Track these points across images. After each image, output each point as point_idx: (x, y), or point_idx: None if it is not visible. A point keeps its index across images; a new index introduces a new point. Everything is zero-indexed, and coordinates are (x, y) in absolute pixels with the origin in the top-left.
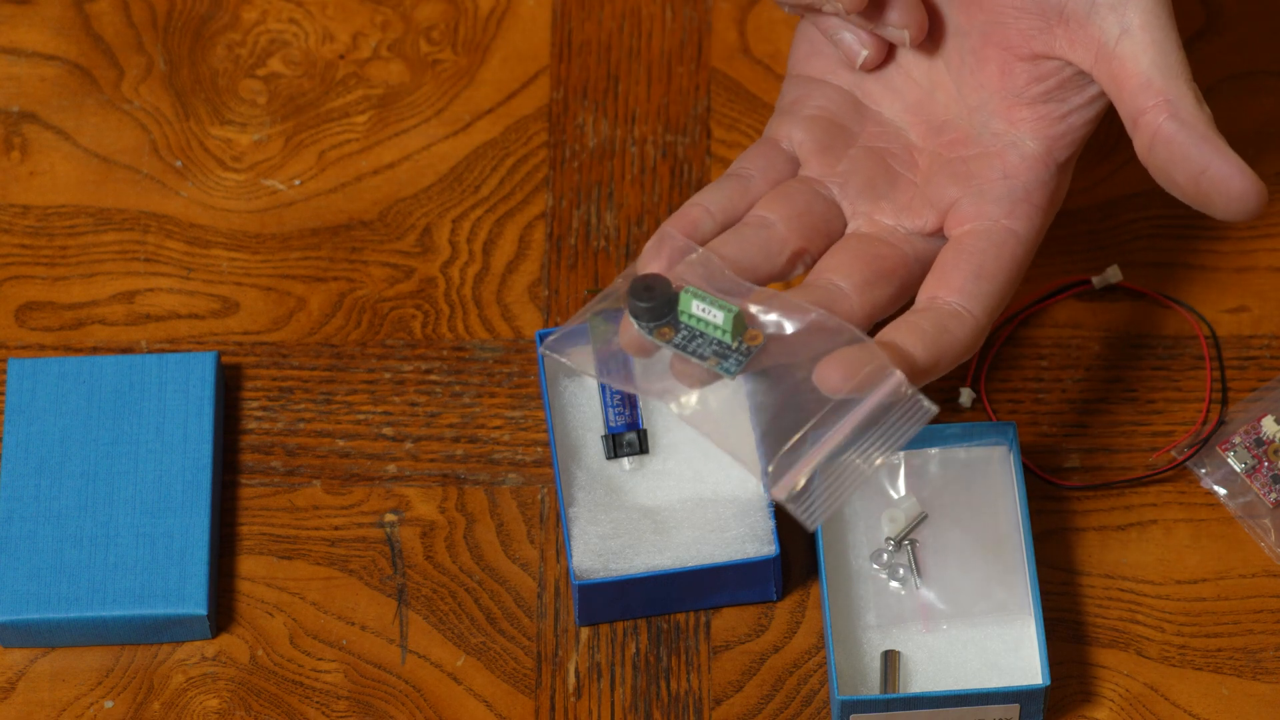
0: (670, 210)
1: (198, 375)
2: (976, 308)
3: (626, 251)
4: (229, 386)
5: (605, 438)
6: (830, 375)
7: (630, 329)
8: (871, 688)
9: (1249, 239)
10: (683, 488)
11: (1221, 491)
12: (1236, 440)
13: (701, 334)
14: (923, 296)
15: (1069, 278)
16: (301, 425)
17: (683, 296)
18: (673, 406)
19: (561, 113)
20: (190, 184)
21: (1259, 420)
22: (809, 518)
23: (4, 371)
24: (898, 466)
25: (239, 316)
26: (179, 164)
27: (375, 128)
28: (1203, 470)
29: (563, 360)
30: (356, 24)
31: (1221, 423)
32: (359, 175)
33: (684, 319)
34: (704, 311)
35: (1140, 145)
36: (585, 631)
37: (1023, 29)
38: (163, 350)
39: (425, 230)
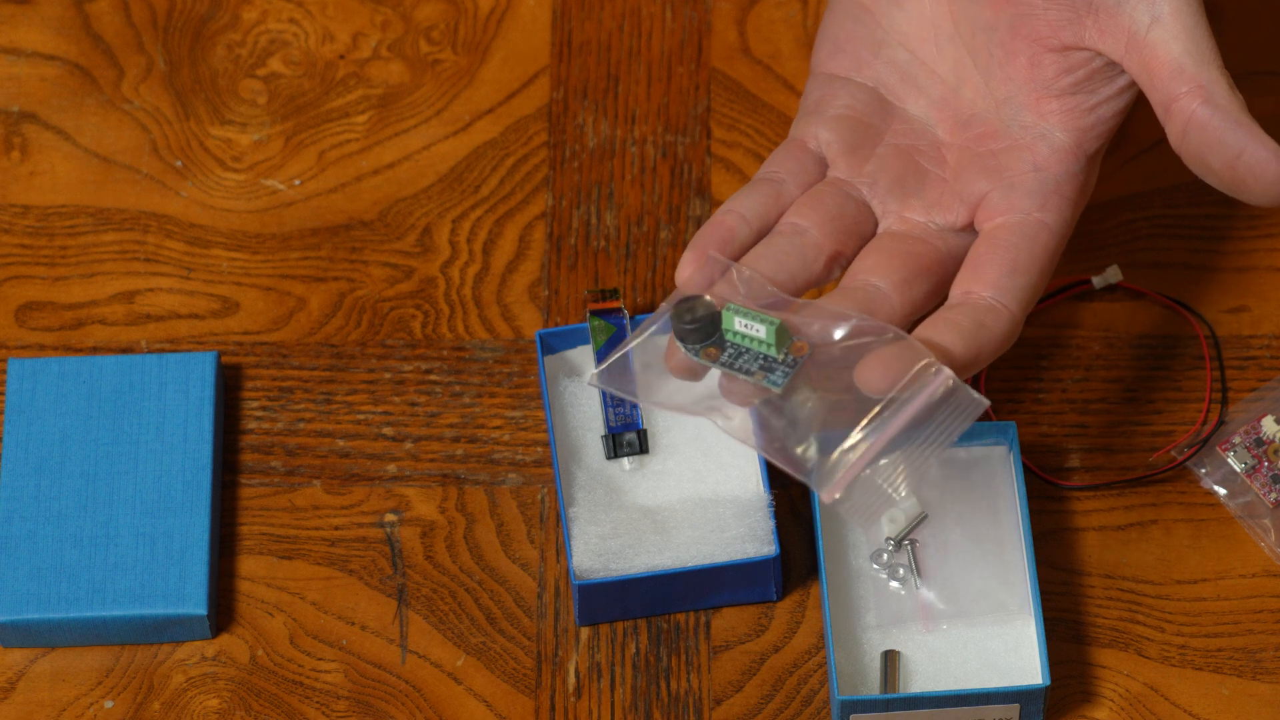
0: (670, 210)
1: (198, 375)
2: (1012, 301)
3: (626, 252)
4: (229, 386)
5: (605, 438)
6: (870, 375)
7: (677, 352)
8: (871, 688)
9: (1249, 239)
10: (683, 488)
11: (1221, 491)
12: (1236, 440)
13: (747, 350)
14: (956, 292)
15: (1069, 278)
16: (301, 425)
17: (725, 315)
18: (719, 422)
19: (561, 113)
20: (190, 184)
21: (1259, 420)
22: (861, 519)
23: (4, 371)
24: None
25: (239, 316)
26: (179, 164)
27: (375, 128)
28: (1203, 470)
29: (613, 391)
30: (356, 24)
31: (1221, 423)
32: (359, 175)
33: (729, 336)
34: (746, 327)
35: (1173, 133)
36: (585, 631)
37: (1052, 20)
38: (163, 350)
39: (425, 230)
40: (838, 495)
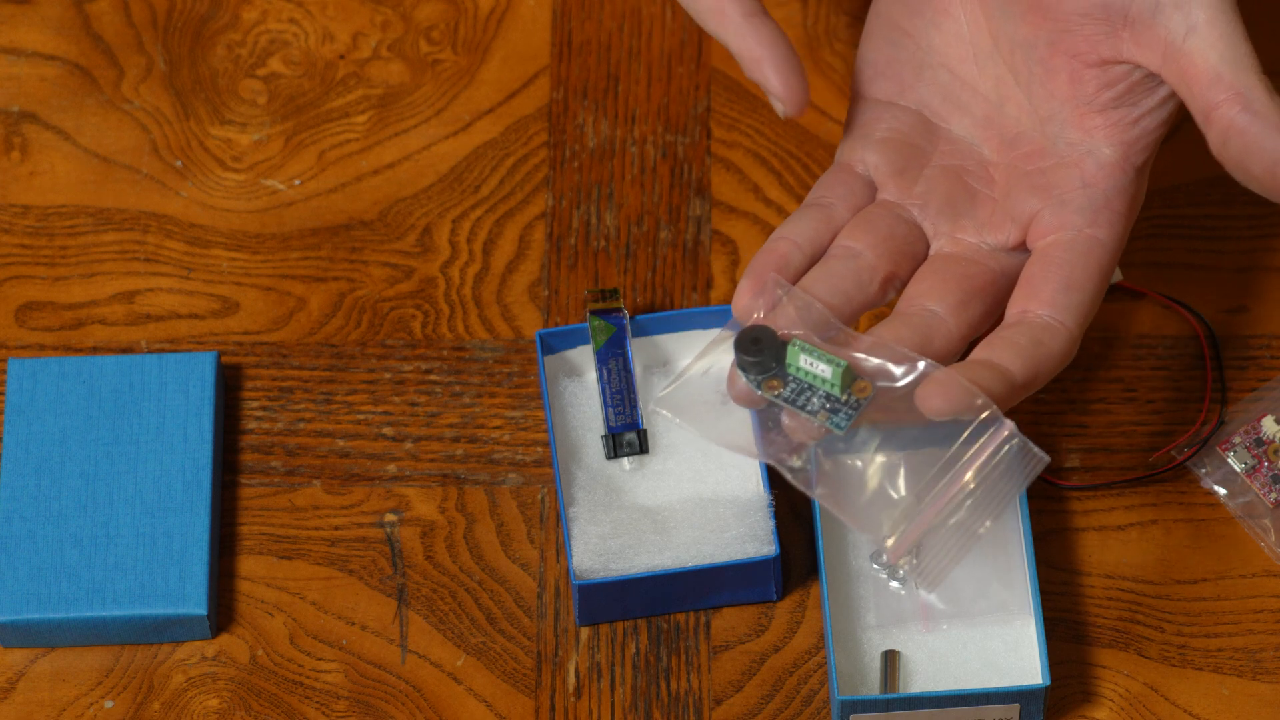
0: (670, 210)
1: (198, 375)
2: (1069, 319)
3: (626, 252)
4: (229, 386)
5: (605, 438)
6: (931, 398)
7: (739, 381)
8: (871, 688)
9: (1249, 239)
10: (683, 488)
11: (1221, 491)
12: (1236, 440)
13: (810, 387)
14: (1012, 311)
15: None
16: (301, 425)
17: (790, 350)
18: (786, 474)
19: (561, 113)
20: (190, 184)
21: (1259, 420)
22: (926, 581)
23: (4, 371)
24: (898, 466)
25: (239, 316)
26: (179, 164)
27: (375, 128)
28: (1203, 470)
29: (675, 420)
30: (356, 24)
31: (1221, 423)
32: (359, 175)
33: (792, 371)
34: (811, 365)
35: (1214, 140)
36: (585, 631)
37: (1089, 35)
38: (163, 350)
39: (425, 230)
40: (903, 556)
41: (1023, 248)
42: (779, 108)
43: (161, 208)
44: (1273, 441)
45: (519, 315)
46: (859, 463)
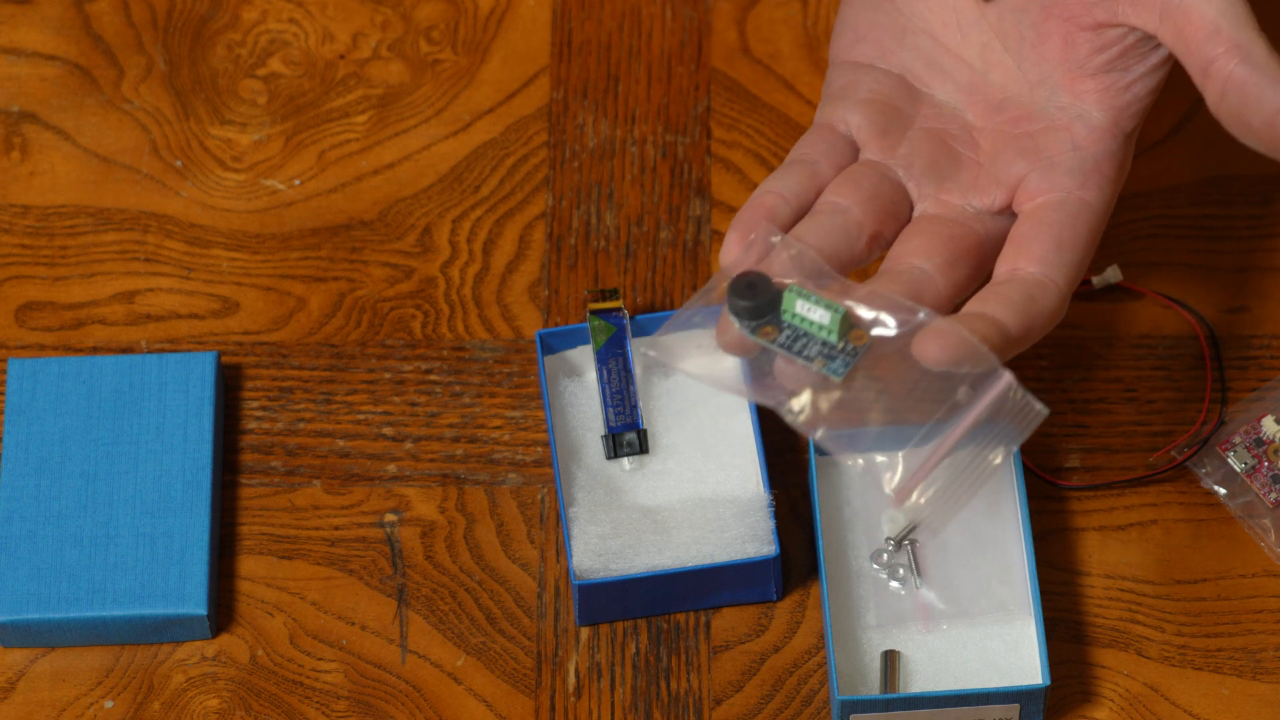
0: (670, 210)
1: (198, 375)
2: (1060, 277)
3: (626, 252)
4: (229, 386)
5: (605, 438)
6: (929, 347)
7: (731, 328)
8: (871, 688)
9: (1249, 239)
10: (683, 488)
11: (1221, 491)
12: (1236, 440)
13: (806, 334)
14: (1002, 269)
15: None
16: (301, 425)
17: (786, 295)
18: (785, 415)
19: (561, 113)
20: (190, 184)
21: (1259, 420)
22: (929, 526)
23: (4, 371)
24: (898, 466)
25: (239, 316)
26: (179, 164)
27: (375, 128)
28: (1203, 470)
29: (664, 362)
30: (356, 24)
31: (1221, 423)
32: (359, 175)
33: (787, 318)
34: (808, 311)
35: (1212, 95)
36: (585, 631)
37: None
38: (163, 350)
39: (425, 230)
40: (906, 502)
41: (1008, 212)
42: None
43: (161, 208)
44: (1273, 441)
45: (519, 315)
46: (859, 408)
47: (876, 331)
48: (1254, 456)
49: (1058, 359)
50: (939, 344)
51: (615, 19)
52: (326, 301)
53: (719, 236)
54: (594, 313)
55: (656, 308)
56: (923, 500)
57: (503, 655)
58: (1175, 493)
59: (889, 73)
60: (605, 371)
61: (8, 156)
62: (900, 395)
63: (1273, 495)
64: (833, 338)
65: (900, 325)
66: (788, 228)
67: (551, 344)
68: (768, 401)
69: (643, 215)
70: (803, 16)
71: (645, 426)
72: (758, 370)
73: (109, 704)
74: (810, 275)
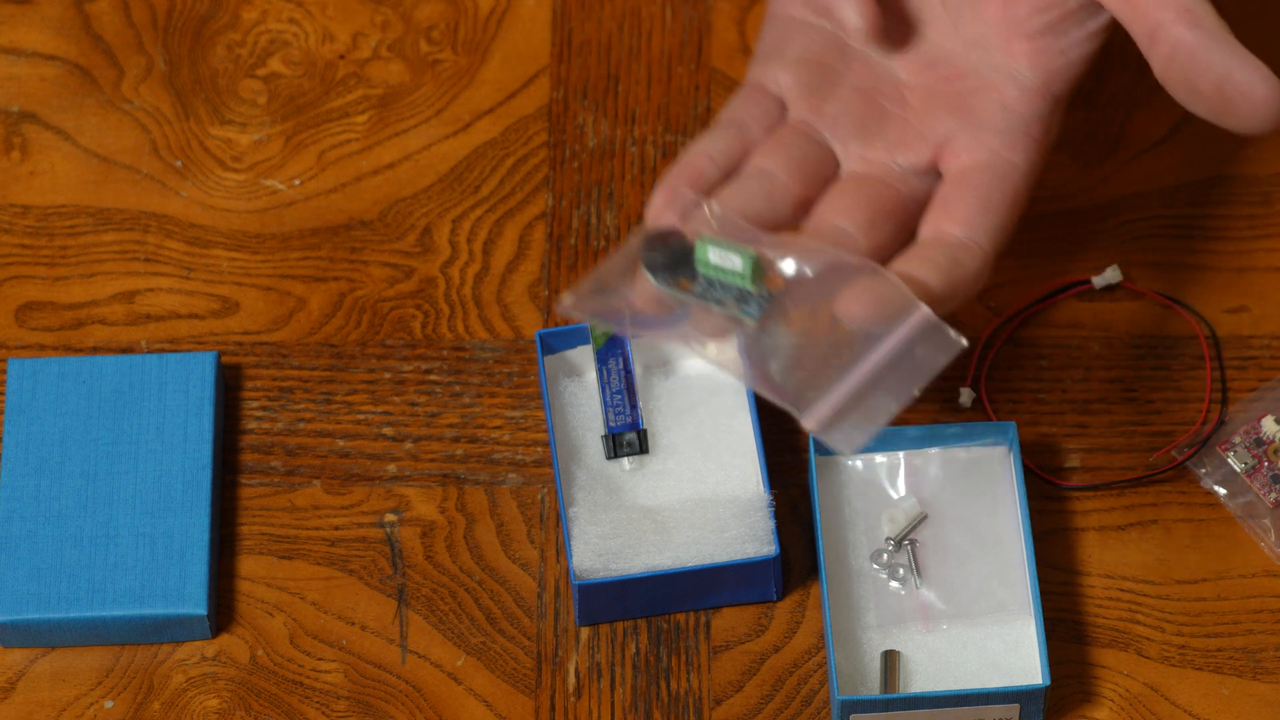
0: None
1: (198, 375)
2: (985, 240)
3: None
4: (229, 386)
5: (605, 438)
6: (853, 307)
7: (648, 286)
8: (871, 688)
9: (1249, 239)
10: (683, 488)
11: (1221, 491)
12: (1236, 440)
13: (720, 283)
14: (926, 230)
15: (1069, 278)
16: (301, 425)
17: (699, 245)
18: (699, 350)
19: (561, 113)
20: (190, 184)
21: (1259, 420)
22: (844, 447)
23: (4, 371)
24: (898, 466)
25: (239, 316)
26: (179, 164)
27: (375, 128)
28: (1203, 470)
29: (587, 318)
30: (356, 24)
31: (1221, 423)
32: (359, 175)
33: (701, 269)
34: (722, 259)
35: (1158, 60)
36: (585, 631)
37: None
38: (163, 350)
39: (425, 230)
40: (819, 423)
41: (934, 170)
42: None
43: (161, 208)
44: (1273, 441)
45: (519, 315)
46: (779, 343)
47: (791, 274)
48: (1254, 456)
49: (1058, 359)
50: (862, 301)
51: (615, 19)
52: (326, 301)
53: None
54: None
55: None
56: (833, 423)
57: (503, 655)
58: (1175, 493)
59: (821, 28)
60: (605, 371)
61: (8, 156)
62: (818, 340)
63: (1273, 495)
64: (746, 283)
65: (814, 266)
66: (714, 187)
67: (551, 344)
68: (687, 342)
69: (643, 215)
70: None
71: (645, 426)
72: (676, 319)
73: (109, 704)
74: (729, 233)
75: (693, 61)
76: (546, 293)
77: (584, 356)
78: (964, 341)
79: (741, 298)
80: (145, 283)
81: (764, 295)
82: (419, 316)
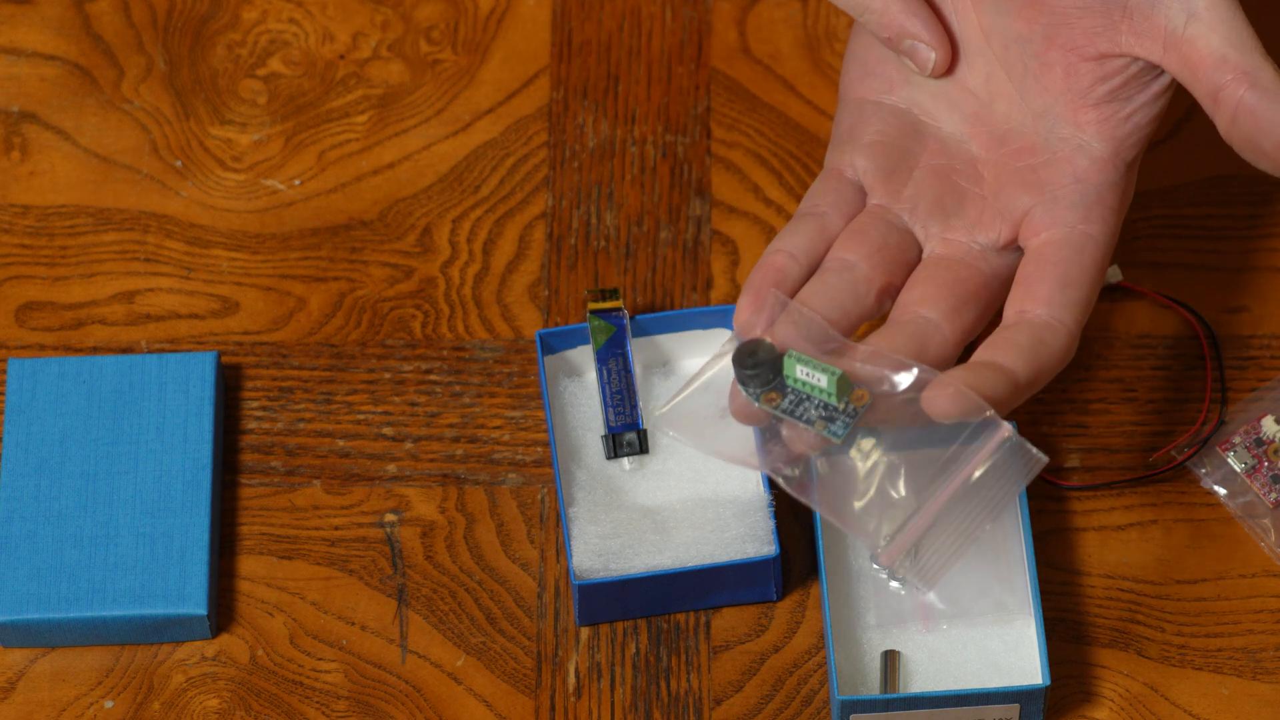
0: (670, 210)
1: (198, 375)
2: (1068, 317)
3: (626, 252)
4: (229, 386)
5: (605, 438)
6: (938, 400)
7: (739, 396)
8: (871, 688)
9: (1249, 239)
10: (683, 488)
11: (1221, 491)
12: (1236, 440)
13: (808, 397)
14: (1010, 312)
15: None
16: (301, 425)
17: (786, 361)
18: (781, 482)
19: (561, 113)
20: (190, 184)
21: (1259, 420)
22: (924, 581)
23: (4, 371)
24: (897, 470)
25: (239, 316)
26: (179, 164)
27: (375, 128)
28: (1203, 470)
29: (678, 438)
30: (356, 24)
31: (1221, 423)
32: (359, 175)
33: (789, 383)
34: (808, 375)
35: (1223, 121)
36: (585, 631)
37: (1087, 28)
38: (163, 350)
39: (425, 230)
40: (895, 559)
41: (1014, 246)
42: (928, 57)
43: (161, 208)
44: (1273, 441)
45: (519, 315)
46: (857, 469)
47: (878, 391)
48: (1254, 456)
49: None
50: (948, 399)
51: (615, 19)
52: (326, 301)
53: (719, 237)
54: (594, 313)
55: (656, 308)
56: (913, 560)
57: (503, 655)
58: (1175, 493)
59: (895, 108)
60: (605, 371)
61: (8, 156)
62: (900, 446)
63: (1273, 495)
64: (832, 399)
65: (901, 383)
66: (799, 285)
67: (551, 344)
68: (771, 470)
69: (643, 215)
70: (803, 16)
71: (645, 426)
72: (764, 438)
73: (109, 704)
74: (815, 340)
75: (693, 61)
76: (546, 293)
77: (584, 356)
78: (1045, 458)
79: (827, 414)
80: (145, 283)
81: (849, 411)
82: (419, 316)
